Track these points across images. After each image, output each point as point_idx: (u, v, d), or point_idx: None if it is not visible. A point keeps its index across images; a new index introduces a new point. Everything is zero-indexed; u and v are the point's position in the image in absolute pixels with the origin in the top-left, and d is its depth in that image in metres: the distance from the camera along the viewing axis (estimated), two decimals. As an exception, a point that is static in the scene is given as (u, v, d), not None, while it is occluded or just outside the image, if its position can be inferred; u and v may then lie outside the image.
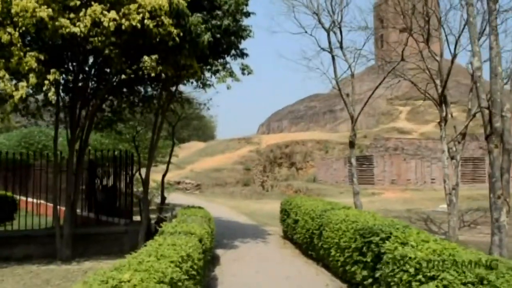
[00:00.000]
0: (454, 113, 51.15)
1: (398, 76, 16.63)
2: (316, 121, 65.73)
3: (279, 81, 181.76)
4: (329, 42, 14.43)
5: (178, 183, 41.73)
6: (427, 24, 15.27)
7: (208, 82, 13.43)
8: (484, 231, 15.42)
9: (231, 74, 11.50)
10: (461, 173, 35.17)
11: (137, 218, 14.96)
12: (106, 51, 9.91)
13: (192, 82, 13.54)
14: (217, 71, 11.39)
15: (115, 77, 12.22)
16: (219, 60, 11.76)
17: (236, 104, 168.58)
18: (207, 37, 10.01)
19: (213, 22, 10.73)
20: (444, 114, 14.15)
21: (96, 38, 9.80)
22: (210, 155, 53.63)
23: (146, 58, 9.86)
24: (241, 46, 12.31)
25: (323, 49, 14.74)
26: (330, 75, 15.23)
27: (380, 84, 16.12)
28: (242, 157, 50.34)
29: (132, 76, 10.27)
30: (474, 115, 14.52)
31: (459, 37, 14.22)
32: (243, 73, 12.01)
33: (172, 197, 26.37)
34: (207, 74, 12.83)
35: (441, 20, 14.49)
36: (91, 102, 13.01)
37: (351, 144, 15.47)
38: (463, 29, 14.18)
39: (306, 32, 14.51)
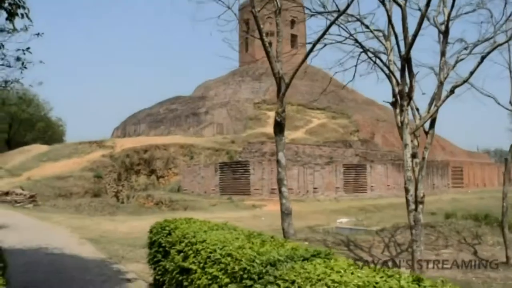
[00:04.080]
0: (323, 120, 49.09)
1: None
2: (178, 125, 59.92)
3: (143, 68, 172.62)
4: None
5: (6, 193, 32.90)
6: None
7: None
8: (430, 257, 11.44)
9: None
10: (344, 182, 32.42)
11: None
12: None
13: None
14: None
15: None
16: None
17: (89, 105, 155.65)
18: None
19: None
20: (407, 88, 9.45)
21: None
22: (54, 160, 44.81)
23: None
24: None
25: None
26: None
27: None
28: (93, 162, 42.59)
29: None
30: (452, 91, 10.21)
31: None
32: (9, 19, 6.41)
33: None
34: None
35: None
36: None
37: (278, 127, 10.05)
38: None
39: None
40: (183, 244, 6.44)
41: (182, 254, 6.34)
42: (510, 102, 13.50)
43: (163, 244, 7.41)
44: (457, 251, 12.44)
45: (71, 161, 44.26)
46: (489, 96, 13.06)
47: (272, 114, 58.39)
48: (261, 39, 9.36)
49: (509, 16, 10.70)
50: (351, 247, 12.83)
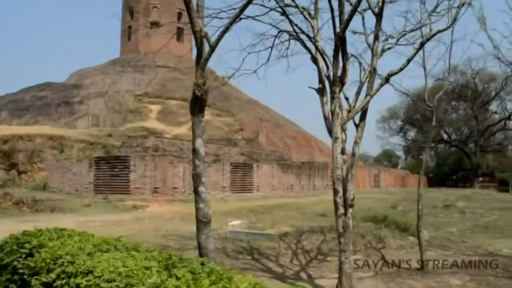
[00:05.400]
0: (207, 117, 47.61)
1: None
2: (47, 114, 54.01)
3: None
4: None
5: None
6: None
7: None
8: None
9: None
10: (231, 181, 30.88)
11: None
12: None
13: None
14: None
15: None
16: None
17: None
18: None
19: None
20: (340, 71, 7.88)
21: None
22: None
23: None
24: None
25: None
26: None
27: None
28: None
29: None
30: (387, 79, 8.89)
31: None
32: None
33: None
34: None
35: None
36: None
37: (198, 104, 7.20)
38: None
39: None
40: (53, 275, 4.11)
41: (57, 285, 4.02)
42: (424, 100, 12.85)
43: (21, 270, 4.94)
44: (366, 257, 11.45)
45: None
46: (404, 93, 12.39)
47: (154, 108, 55.33)
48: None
49: (441, 2, 9.79)
50: (255, 256, 11.13)
